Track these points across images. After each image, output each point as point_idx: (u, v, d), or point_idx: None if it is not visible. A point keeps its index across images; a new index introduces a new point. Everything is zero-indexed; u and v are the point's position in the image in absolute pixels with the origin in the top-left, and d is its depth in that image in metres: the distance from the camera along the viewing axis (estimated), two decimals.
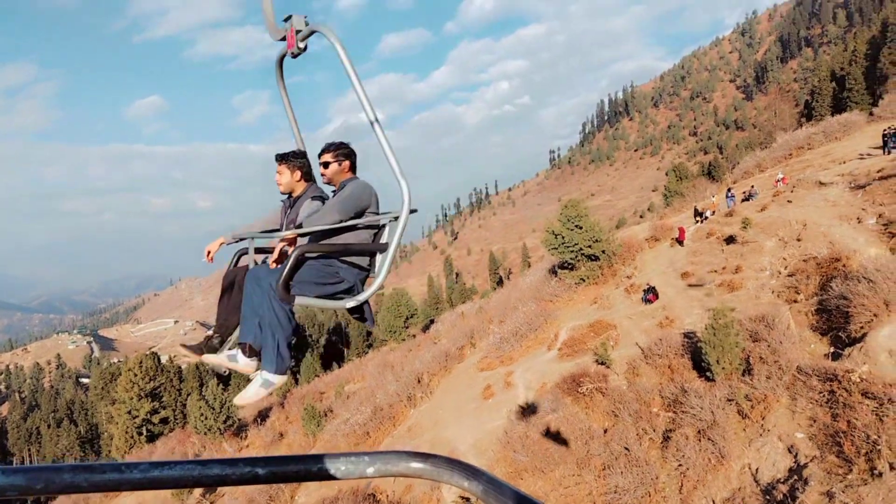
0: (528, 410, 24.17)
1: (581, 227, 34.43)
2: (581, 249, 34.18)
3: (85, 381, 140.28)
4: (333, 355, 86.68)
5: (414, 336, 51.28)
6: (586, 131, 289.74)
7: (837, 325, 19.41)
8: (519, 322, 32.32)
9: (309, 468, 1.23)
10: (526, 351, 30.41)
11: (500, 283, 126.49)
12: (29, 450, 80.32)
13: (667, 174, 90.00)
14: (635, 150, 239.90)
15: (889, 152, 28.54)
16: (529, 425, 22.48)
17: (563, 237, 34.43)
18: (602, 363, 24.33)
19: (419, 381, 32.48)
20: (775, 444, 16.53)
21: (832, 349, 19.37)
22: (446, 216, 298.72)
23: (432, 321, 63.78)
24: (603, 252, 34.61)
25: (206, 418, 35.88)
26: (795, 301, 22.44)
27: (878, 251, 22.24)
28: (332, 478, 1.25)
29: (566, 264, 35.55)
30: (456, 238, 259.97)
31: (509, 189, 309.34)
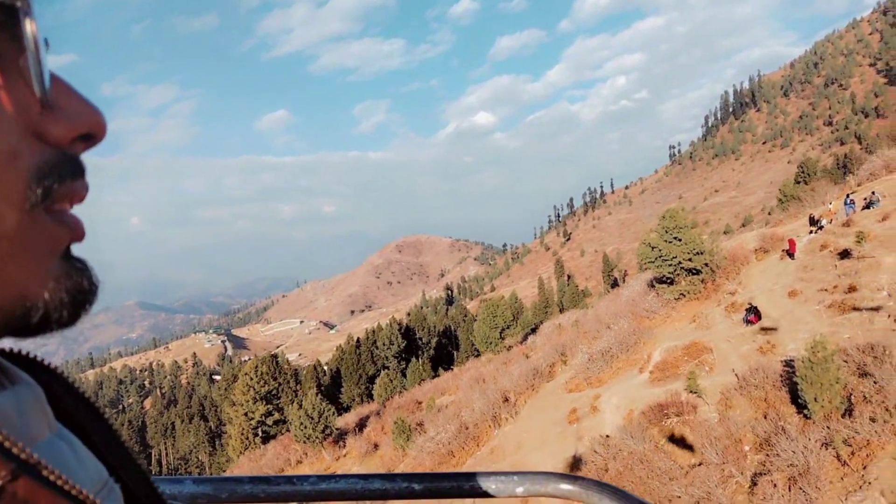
0: (610, 440, 23.08)
1: (680, 240, 32.49)
2: (680, 263, 32.26)
3: (217, 378, 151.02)
4: (443, 358, 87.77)
5: (510, 348, 50.67)
6: (709, 124, 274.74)
7: None
8: (611, 341, 30.98)
9: (461, 485, 1.29)
10: (616, 373, 29.08)
11: (614, 285, 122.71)
12: (164, 443, 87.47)
13: (799, 168, 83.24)
14: (763, 143, 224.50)
15: None
16: (609, 457, 21.44)
17: (659, 250, 32.65)
18: (693, 392, 22.77)
19: (506, 400, 31.96)
20: (877, 501, 14.65)
21: None
22: (559, 216, 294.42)
23: (534, 329, 62.89)
24: (705, 265, 32.49)
25: (304, 427, 37.25)
26: None
27: None
28: (485, 495, 1.30)
29: (665, 278, 33.69)
30: (569, 239, 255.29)
31: (626, 187, 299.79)
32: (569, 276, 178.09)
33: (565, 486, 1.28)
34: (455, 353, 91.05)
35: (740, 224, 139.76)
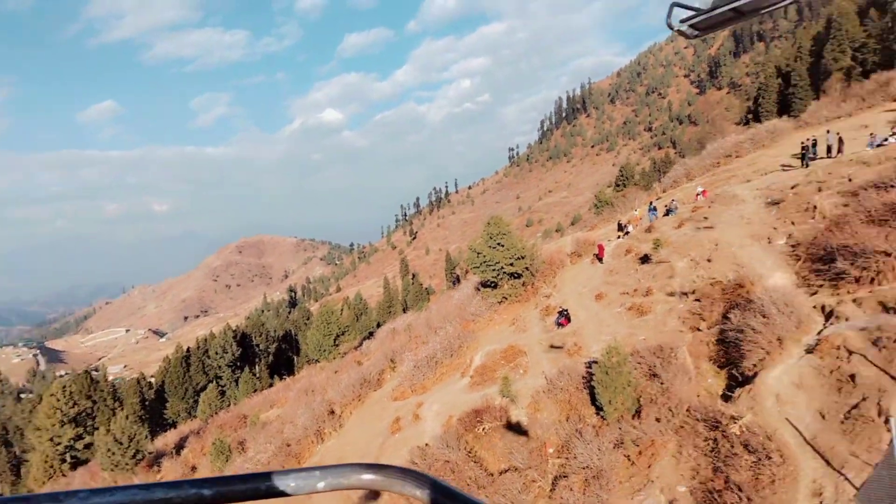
0: (429, 449, 22.94)
1: (503, 245, 33.31)
2: (503, 267, 33.07)
3: (25, 396, 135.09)
4: (283, 365, 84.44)
5: (344, 354, 49.66)
6: (545, 128, 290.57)
7: (734, 360, 18.54)
8: (437, 346, 31.04)
9: (258, 486, 1.19)
10: (440, 378, 29.15)
11: (456, 282, 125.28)
12: None
13: (620, 171, 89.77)
14: (592, 147, 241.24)
15: (807, 165, 27.95)
16: (425, 468, 21.20)
17: (484, 255, 33.27)
18: (506, 396, 23.21)
19: (331, 413, 30.99)
20: (657, 498, 15.52)
21: (727, 387, 18.54)
22: (406, 215, 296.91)
23: (372, 333, 62.26)
24: (526, 269, 33.59)
25: (112, 453, 33.82)
26: (699, 329, 21.59)
27: (783, 276, 21.47)
28: (282, 494, 1.24)
29: (489, 282, 34.42)
30: (415, 238, 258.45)
31: (469, 187, 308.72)
32: (413, 275, 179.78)
33: (368, 477, 1.23)
34: (296, 358, 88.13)
35: (570, 222, 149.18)
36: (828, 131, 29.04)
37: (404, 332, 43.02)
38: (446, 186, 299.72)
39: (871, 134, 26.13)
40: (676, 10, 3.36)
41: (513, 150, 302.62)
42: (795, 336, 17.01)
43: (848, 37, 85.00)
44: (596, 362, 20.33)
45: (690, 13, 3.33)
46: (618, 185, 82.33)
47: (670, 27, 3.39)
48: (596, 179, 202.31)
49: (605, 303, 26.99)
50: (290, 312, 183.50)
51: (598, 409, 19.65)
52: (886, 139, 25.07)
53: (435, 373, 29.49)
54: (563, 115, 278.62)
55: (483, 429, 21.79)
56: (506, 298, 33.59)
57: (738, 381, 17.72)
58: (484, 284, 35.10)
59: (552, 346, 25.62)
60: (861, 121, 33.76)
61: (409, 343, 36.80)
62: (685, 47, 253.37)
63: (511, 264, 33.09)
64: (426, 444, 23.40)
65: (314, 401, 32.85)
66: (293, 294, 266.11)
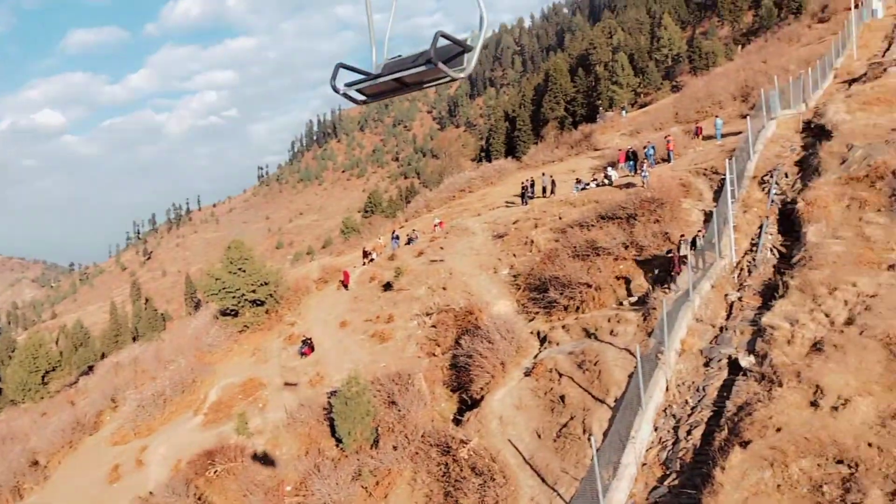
0: (150, 499, 20.70)
1: (244, 270, 31.77)
2: (244, 295, 31.50)
3: None
4: None
5: (56, 393, 43.14)
6: (295, 149, 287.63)
7: (465, 384, 19.74)
8: (166, 382, 28.34)
9: None
10: (169, 418, 26.63)
11: (197, 307, 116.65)
12: None
13: (368, 198, 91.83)
14: (343, 171, 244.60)
15: (526, 203, 31.34)
16: None
17: (223, 282, 31.37)
18: (241, 433, 21.98)
19: (35, 464, 26.53)
20: None
21: (458, 410, 19.67)
22: (139, 234, 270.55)
23: (91, 368, 54.94)
24: (270, 296, 32.41)
25: None
26: (434, 354, 22.68)
27: (506, 303, 23.54)
28: None
29: (230, 311, 32.52)
30: (149, 258, 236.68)
31: (214, 205, 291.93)
32: (147, 300, 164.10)
33: None
34: None
35: (322, 245, 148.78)
36: (543, 174, 33.04)
37: (130, 367, 38.65)
38: (188, 203, 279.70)
39: (577, 179, 30.32)
40: (344, 72, 3.35)
41: (262, 168, 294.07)
42: (516, 360, 18.71)
43: (562, 90, 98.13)
44: (336, 394, 20.23)
45: (357, 77, 3.36)
46: (366, 212, 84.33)
47: (335, 90, 3.37)
48: (347, 204, 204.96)
49: (350, 330, 27.14)
50: None
51: (339, 440, 19.53)
52: (588, 184, 29.27)
53: (163, 412, 26.87)
54: (314, 137, 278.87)
55: (216, 471, 20.32)
56: (247, 327, 31.99)
57: (468, 404, 18.94)
58: (224, 312, 33.07)
59: (291, 380, 24.96)
60: (570, 165, 38.90)
61: (134, 379, 33.08)
62: None
63: (253, 291, 31.68)
64: (150, 494, 21.15)
65: (12, 451, 27.80)
66: None
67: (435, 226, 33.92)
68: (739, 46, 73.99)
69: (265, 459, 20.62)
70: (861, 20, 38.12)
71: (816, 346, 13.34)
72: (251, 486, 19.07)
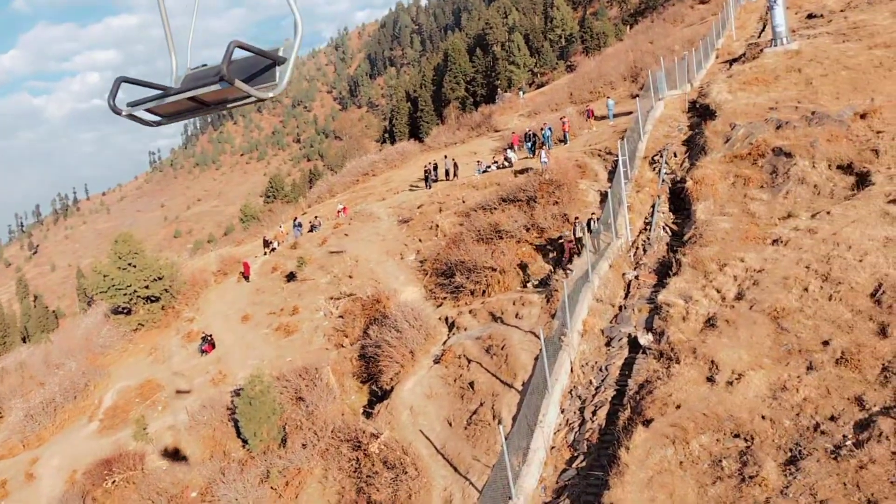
0: None
1: (135, 266, 29.96)
2: (136, 291, 29.72)
3: None
4: None
5: None
6: (189, 133, 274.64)
7: (374, 375, 19.52)
8: (56, 387, 26.41)
9: None
10: (61, 426, 24.89)
11: (90, 303, 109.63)
12: None
13: (269, 183, 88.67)
14: (241, 155, 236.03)
15: (430, 186, 31.21)
16: None
17: (112, 278, 29.46)
18: (140, 439, 20.84)
19: None
20: None
21: (369, 402, 19.44)
22: (23, 227, 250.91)
23: None
24: (165, 291, 30.76)
25: None
26: (342, 346, 22.29)
27: (414, 290, 23.42)
28: None
29: (122, 308, 30.64)
30: (36, 252, 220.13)
31: (103, 193, 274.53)
32: (35, 297, 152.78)
33: None
34: None
35: (223, 233, 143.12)
36: (445, 157, 32.99)
37: (16, 372, 35.79)
38: (75, 193, 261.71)
39: (479, 161, 30.49)
40: (127, 87, 2.78)
41: (154, 154, 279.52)
42: (425, 347, 18.66)
43: (461, 71, 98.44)
44: (239, 393, 19.51)
45: (146, 95, 2.80)
46: (268, 197, 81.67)
47: (115, 111, 2.77)
48: (247, 189, 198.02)
49: (252, 324, 26.22)
50: None
51: (245, 441, 18.89)
52: (489, 166, 29.49)
53: (55, 420, 25.07)
54: (209, 120, 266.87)
55: (114, 481, 19.19)
56: (142, 325, 30.28)
57: (378, 395, 18.75)
58: (116, 310, 31.13)
59: (184, 385, 23.85)
60: (472, 147, 39.10)
61: (21, 385, 30.62)
62: (326, 64, 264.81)
63: (146, 286, 29.97)
64: None
65: None
66: None
67: (338, 212, 33.25)
68: (628, 27, 76.72)
69: (167, 466, 19.67)
70: (738, 2, 40.27)
71: (710, 322, 14.03)
72: (153, 494, 18.18)
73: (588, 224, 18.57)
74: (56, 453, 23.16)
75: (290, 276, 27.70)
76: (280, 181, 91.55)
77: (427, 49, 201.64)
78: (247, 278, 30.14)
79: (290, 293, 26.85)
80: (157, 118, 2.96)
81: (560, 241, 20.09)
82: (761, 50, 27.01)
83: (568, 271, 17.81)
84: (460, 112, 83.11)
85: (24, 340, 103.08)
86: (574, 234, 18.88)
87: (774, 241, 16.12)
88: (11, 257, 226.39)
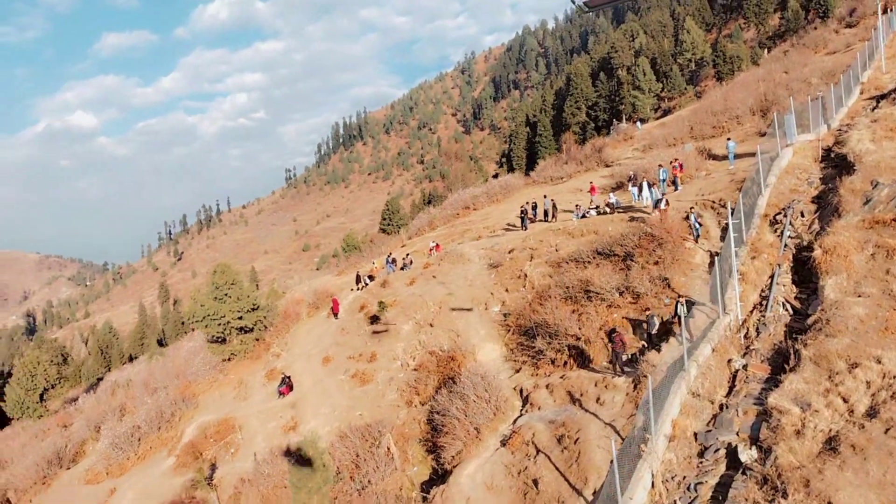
0: None
1: (229, 296, 30.35)
2: (230, 322, 30.08)
3: None
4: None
5: (55, 412, 42.35)
6: (322, 152, 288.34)
7: (440, 446, 17.89)
8: (144, 415, 27.01)
9: None
10: (144, 456, 25.27)
11: None
12: None
13: (386, 206, 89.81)
14: (368, 174, 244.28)
15: (525, 228, 29.30)
16: None
17: (207, 308, 29.97)
18: (202, 485, 20.45)
19: (7, 502, 25.41)
20: None
21: (430, 478, 17.82)
22: (171, 234, 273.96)
23: (100, 380, 54.42)
24: (259, 321, 30.97)
25: None
26: (412, 404, 20.87)
27: (493, 348, 21.63)
28: None
29: (217, 337, 31.12)
30: (180, 258, 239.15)
31: (243, 206, 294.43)
32: (175, 301, 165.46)
33: None
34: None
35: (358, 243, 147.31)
36: (545, 196, 30.93)
37: (123, 390, 37.66)
38: (217, 205, 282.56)
39: (577, 205, 28.14)
40: None
41: (290, 171, 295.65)
42: (493, 424, 16.78)
43: (583, 95, 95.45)
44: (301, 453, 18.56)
45: None
46: (384, 219, 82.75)
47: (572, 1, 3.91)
48: (373, 207, 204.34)
49: (332, 367, 25.43)
50: (29, 340, 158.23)
51: None
52: (588, 211, 27.08)
53: (137, 450, 25.52)
54: (341, 140, 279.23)
55: None
56: (234, 355, 30.60)
57: (438, 475, 17.08)
58: (212, 339, 31.70)
59: (265, 420, 23.36)
60: (579, 183, 36.72)
61: (121, 406, 31.87)
62: (452, 87, 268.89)
63: (240, 318, 30.26)
64: None
65: None
66: (31, 319, 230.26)
67: (431, 249, 32.08)
68: (765, 50, 70.79)
69: None
70: (891, 27, 35.25)
71: (831, 444, 11.23)
72: None
73: (686, 305, 15.88)
74: (132, 486, 23.39)
75: (374, 319, 26.76)
76: (396, 204, 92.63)
77: (552, 72, 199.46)
78: (336, 315, 29.61)
79: (371, 337, 25.86)
80: (587, 9, 4.02)
81: (644, 318, 17.48)
82: None
83: (627, 369, 15.40)
84: (578, 138, 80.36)
85: (159, 343, 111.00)
86: (674, 314, 16.29)
87: None
88: (159, 262, 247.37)
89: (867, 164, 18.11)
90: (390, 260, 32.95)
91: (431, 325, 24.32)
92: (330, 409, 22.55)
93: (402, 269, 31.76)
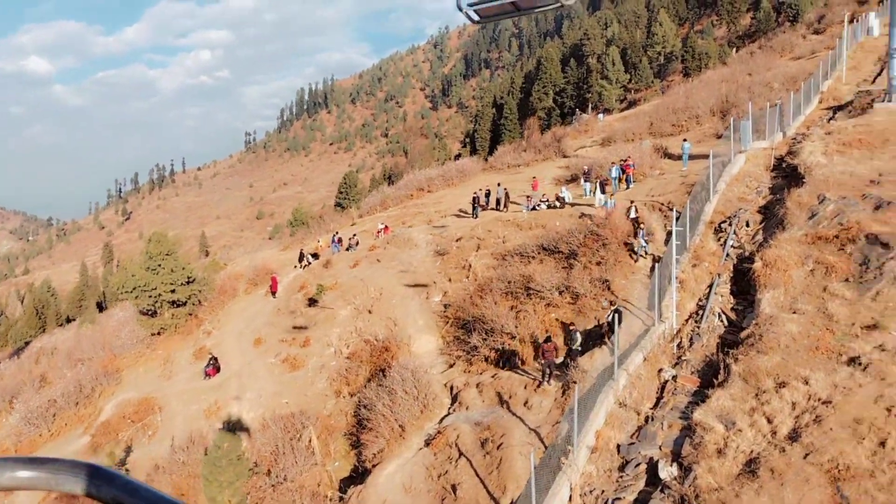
0: None
1: (163, 267, 28.97)
2: (161, 294, 28.74)
3: None
4: None
5: None
6: (284, 118, 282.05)
7: (363, 442, 17.22)
8: (61, 388, 25.67)
9: None
10: (57, 434, 24.01)
11: None
12: None
13: (343, 180, 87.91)
14: (331, 144, 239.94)
15: (476, 216, 28.62)
16: None
17: (137, 279, 28.57)
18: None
19: None
20: None
21: (350, 475, 17.18)
22: (121, 193, 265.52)
23: (27, 344, 52.24)
24: (192, 296, 29.68)
25: None
26: (341, 394, 20.14)
27: (430, 339, 21.00)
28: None
29: (148, 310, 29.74)
30: (128, 218, 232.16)
31: (198, 168, 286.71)
32: (118, 263, 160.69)
33: (24, 474, 0.98)
34: None
35: (306, 217, 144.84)
36: (498, 184, 30.23)
37: (48, 359, 35.94)
38: (172, 165, 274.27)
39: (528, 196, 27.55)
40: None
41: (250, 135, 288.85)
42: (419, 422, 16.18)
43: (552, 80, 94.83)
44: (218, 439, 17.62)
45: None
46: (340, 193, 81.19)
47: (459, 7, 3.55)
48: (332, 178, 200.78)
49: (263, 350, 24.47)
50: None
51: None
52: (539, 203, 26.49)
53: (52, 426, 24.24)
54: (305, 107, 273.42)
55: None
56: (164, 330, 29.29)
57: (359, 473, 16.44)
58: (142, 312, 30.29)
59: (188, 401, 22.34)
60: (536, 171, 36.08)
61: (41, 377, 30.32)
62: (423, 61, 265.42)
63: (173, 291, 28.93)
64: None
65: None
66: None
67: (378, 231, 31.14)
68: (734, 49, 71.06)
69: None
70: (855, 38, 35.39)
71: (751, 467, 10.93)
72: None
73: (619, 315, 15.37)
74: None
75: (312, 301, 25.83)
76: (354, 178, 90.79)
77: (524, 54, 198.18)
78: (274, 294, 28.57)
79: (307, 319, 24.95)
80: (478, 18, 3.67)
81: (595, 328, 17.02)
82: (872, 101, 22.79)
83: (557, 373, 14.95)
84: (543, 124, 79.72)
85: (98, 306, 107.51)
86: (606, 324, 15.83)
87: (851, 360, 12.66)
88: (106, 221, 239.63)
89: (816, 178, 17.86)
90: (336, 239, 31.92)
91: (370, 312, 23.53)
92: (256, 394, 21.66)
93: (347, 249, 30.80)
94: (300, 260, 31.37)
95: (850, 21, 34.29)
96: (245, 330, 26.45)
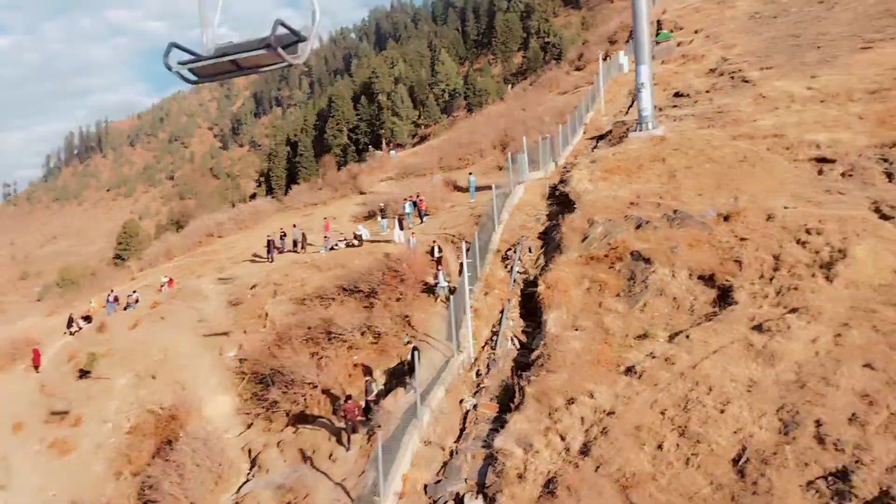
0: None
1: None
2: None
3: None
4: None
5: None
6: (52, 165, 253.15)
7: None
8: None
9: None
10: None
11: None
12: None
13: (123, 229, 79.81)
14: (108, 190, 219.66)
15: (272, 259, 27.38)
16: None
17: None
18: None
19: None
20: None
21: None
22: None
23: None
24: None
25: None
26: (121, 475, 17.79)
27: (224, 400, 19.40)
28: None
29: None
30: None
31: None
32: None
33: None
34: None
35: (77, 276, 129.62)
36: (294, 226, 29.34)
37: None
38: None
39: (326, 236, 27.03)
40: (176, 51, 3.50)
41: (10, 186, 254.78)
42: (213, 497, 14.75)
43: (344, 118, 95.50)
44: None
45: (189, 57, 3.50)
46: (119, 244, 73.94)
47: (168, 67, 3.47)
48: (111, 227, 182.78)
49: (24, 436, 20.94)
50: None
51: None
52: (338, 243, 26.09)
53: None
54: (75, 152, 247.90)
55: None
56: None
57: None
58: None
59: None
60: (335, 209, 35.66)
61: None
62: (209, 100, 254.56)
63: None
64: None
65: None
66: None
67: (162, 285, 28.53)
68: (510, 85, 77.15)
69: None
70: (609, 74, 39.90)
71: (549, 487, 11.22)
72: None
73: (417, 353, 15.26)
74: None
75: (84, 373, 22.72)
76: (135, 226, 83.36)
77: (315, 92, 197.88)
78: (37, 368, 24.73)
79: (78, 394, 21.85)
80: (195, 77, 3.63)
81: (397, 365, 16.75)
82: (627, 130, 25.65)
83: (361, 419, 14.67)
84: (340, 161, 79.79)
85: None
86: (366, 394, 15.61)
87: (628, 370, 13.67)
88: None
89: (585, 203, 19.49)
90: (112, 298, 28.62)
91: (154, 378, 21.23)
92: (11, 493, 18.36)
93: (125, 308, 27.74)
94: (69, 325, 27.60)
95: (605, 59, 38.56)
96: (1, 416, 22.49)
